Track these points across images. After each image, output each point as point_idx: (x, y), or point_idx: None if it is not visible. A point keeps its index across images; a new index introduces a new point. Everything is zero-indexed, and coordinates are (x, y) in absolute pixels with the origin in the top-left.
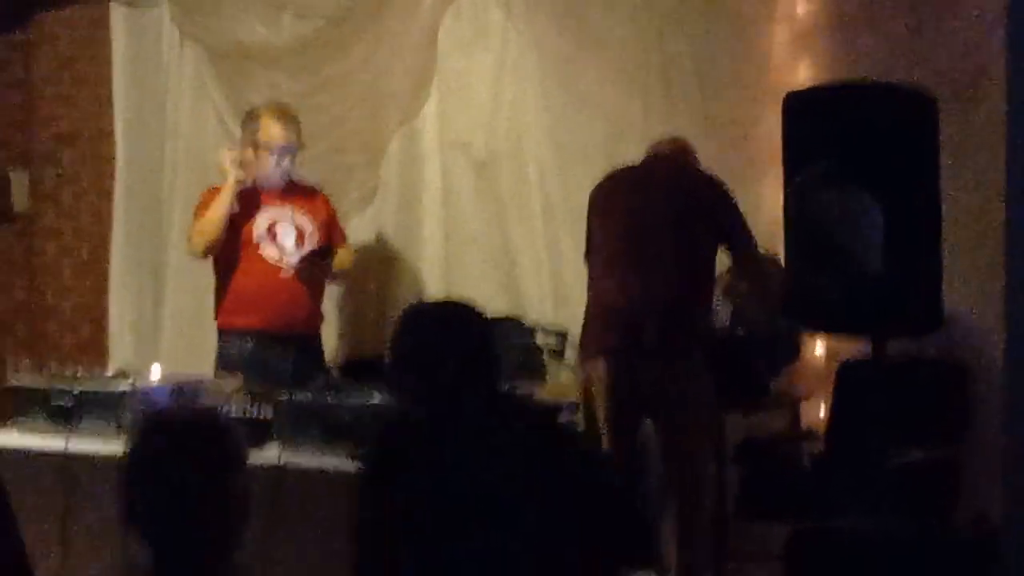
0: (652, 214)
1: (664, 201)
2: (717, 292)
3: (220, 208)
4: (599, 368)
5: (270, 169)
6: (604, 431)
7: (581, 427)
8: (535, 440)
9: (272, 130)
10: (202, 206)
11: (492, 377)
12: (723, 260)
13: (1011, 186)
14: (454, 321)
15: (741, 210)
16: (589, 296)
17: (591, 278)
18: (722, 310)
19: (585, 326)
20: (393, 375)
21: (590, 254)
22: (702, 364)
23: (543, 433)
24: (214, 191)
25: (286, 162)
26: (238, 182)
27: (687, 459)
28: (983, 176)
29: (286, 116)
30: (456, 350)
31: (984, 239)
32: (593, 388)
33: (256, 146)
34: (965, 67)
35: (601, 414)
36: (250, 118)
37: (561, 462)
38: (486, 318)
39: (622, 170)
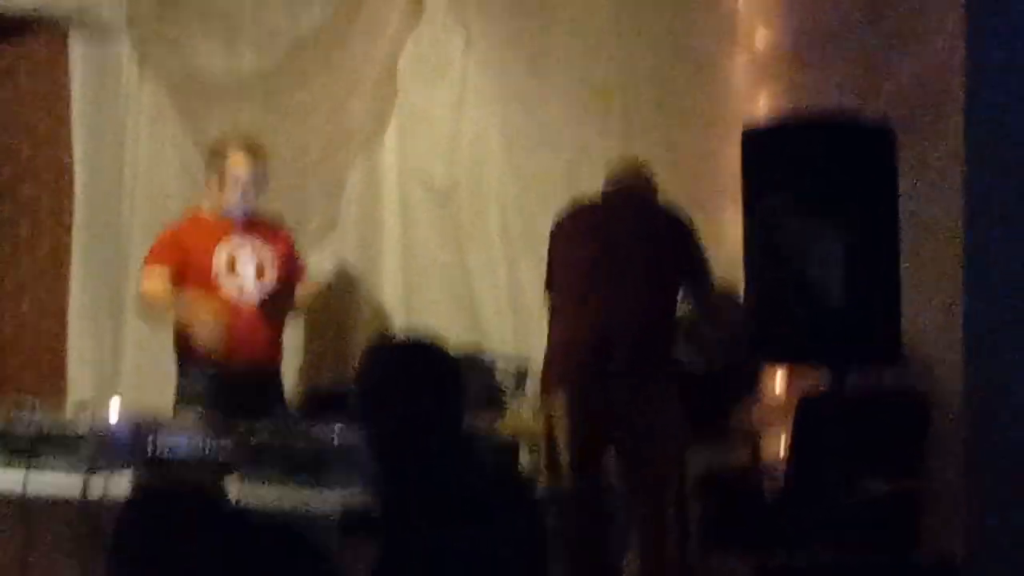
0: (616, 245)
1: (628, 232)
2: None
3: (163, 308)
4: (561, 399)
5: (234, 202)
6: (566, 464)
7: (543, 461)
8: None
9: (239, 162)
10: (155, 254)
11: (458, 416)
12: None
13: (970, 218)
14: (420, 358)
15: (702, 244)
16: (551, 329)
17: (552, 310)
18: (682, 344)
19: (547, 359)
20: (358, 412)
21: (551, 287)
22: (670, 392)
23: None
24: (170, 233)
25: (251, 195)
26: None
27: (652, 489)
28: (942, 208)
29: (254, 149)
30: (422, 387)
31: (943, 271)
32: (555, 421)
33: (222, 177)
34: (924, 97)
35: (564, 447)
36: (217, 149)
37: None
38: (452, 355)
39: (582, 202)
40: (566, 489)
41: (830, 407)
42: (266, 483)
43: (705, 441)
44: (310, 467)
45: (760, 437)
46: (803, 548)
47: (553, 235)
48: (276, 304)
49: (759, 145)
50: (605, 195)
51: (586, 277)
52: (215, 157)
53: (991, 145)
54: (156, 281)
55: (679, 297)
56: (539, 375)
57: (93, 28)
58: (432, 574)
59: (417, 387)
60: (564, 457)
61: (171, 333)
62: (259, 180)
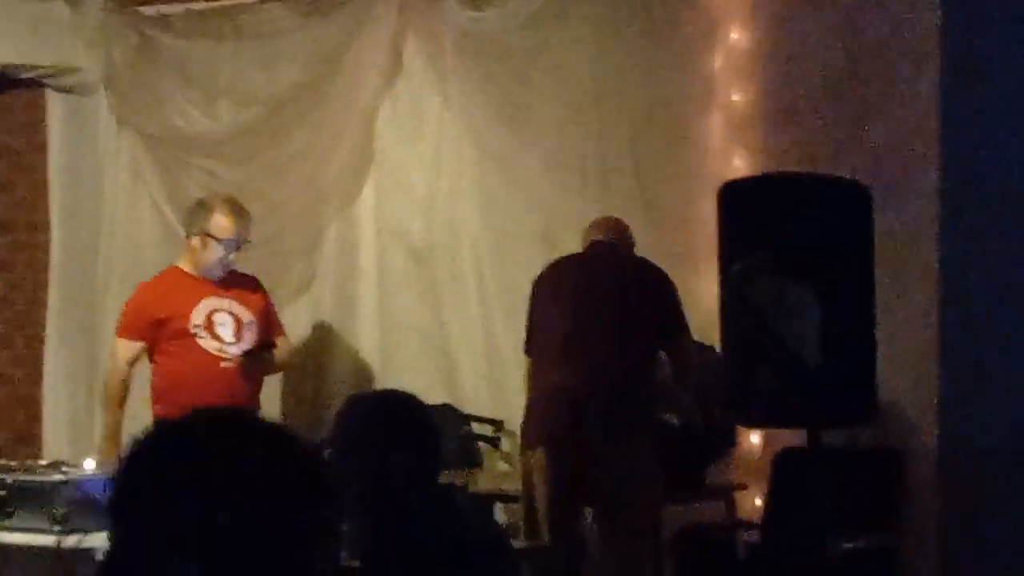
0: (595, 303)
1: (607, 290)
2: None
3: (105, 409)
4: (540, 456)
5: (215, 260)
6: (545, 519)
7: (521, 517)
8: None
9: (224, 223)
10: (129, 325)
11: (433, 469)
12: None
13: (943, 274)
14: (394, 411)
15: (679, 301)
16: (531, 386)
17: (534, 367)
18: (659, 400)
19: (527, 416)
20: (335, 465)
21: (532, 344)
22: (647, 447)
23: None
24: (149, 287)
25: (232, 254)
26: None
27: (629, 544)
28: (918, 266)
29: (239, 210)
30: (397, 441)
31: (918, 329)
32: (534, 477)
33: (205, 236)
34: (899, 158)
35: (542, 504)
36: (201, 207)
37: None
38: (426, 408)
39: (563, 259)
40: (545, 544)
41: (806, 463)
42: None
43: (681, 496)
44: None
45: (735, 492)
46: None
47: (533, 293)
48: (254, 362)
49: (735, 204)
50: (584, 253)
51: (565, 334)
52: (199, 215)
53: (965, 204)
54: (120, 373)
55: (657, 355)
56: (515, 432)
57: (71, 85)
58: None
59: (392, 440)
60: (543, 512)
61: (147, 390)
62: (242, 240)
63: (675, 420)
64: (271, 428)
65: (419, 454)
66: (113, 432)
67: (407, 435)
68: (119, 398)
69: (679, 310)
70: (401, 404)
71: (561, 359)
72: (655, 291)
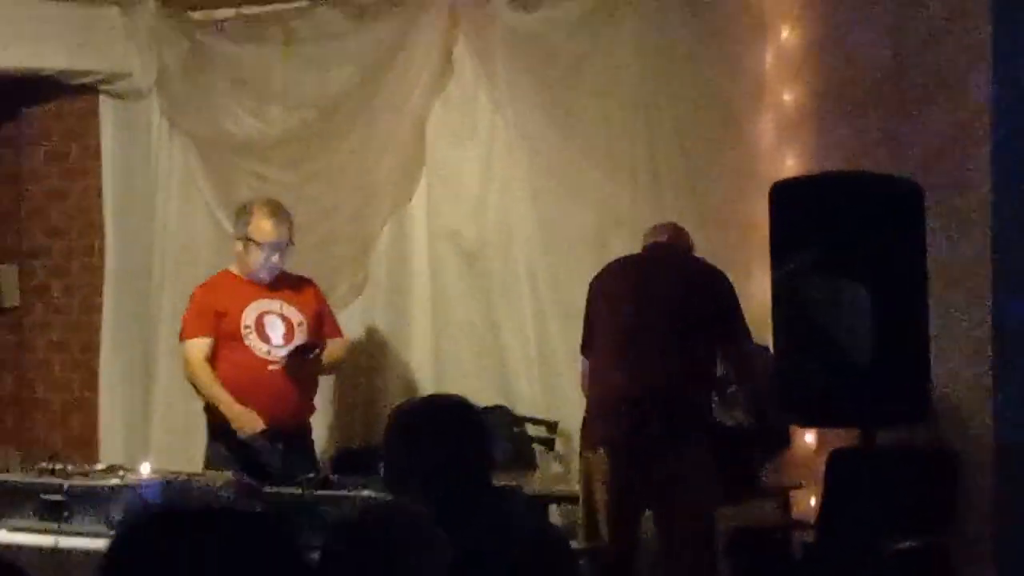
0: (654, 304)
1: (666, 291)
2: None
3: (214, 398)
4: (600, 459)
5: (259, 263)
6: (604, 523)
7: (577, 518)
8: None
9: (263, 226)
10: (194, 324)
11: (485, 471)
12: None
13: (997, 273)
14: (446, 417)
15: (739, 303)
16: (590, 387)
17: (592, 369)
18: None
19: (586, 417)
20: (388, 474)
21: (589, 345)
22: (706, 451)
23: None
24: (202, 296)
25: (275, 257)
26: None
27: (687, 547)
28: (970, 264)
29: (278, 212)
30: (448, 443)
31: (972, 327)
32: (594, 479)
33: (247, 240)
34: (950, 156)
35: (602, 505)
36: (243, 212)
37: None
38: (475, 409)
39: (621, 260)
40: (604, 547)
41: (860, 462)
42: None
43: (736, 496)
44: None
45: (790, 492)
46: None
47: (590, 293)
48: (305, 363)
49: (786, 203)
50: (641, 254)
51: (623, 335)
52: (241, 220)
53: (1018, 201)
54: (204, 366)
55: (716, 356)
56: (569, 433)
57: (123, 90)
58: None
59: (443, 443)
60: (602, 516)
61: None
62: (284, 243)
63: (731, 420)
64: (253, 519)
65: (470, 456)
66: (234, 403)
67: (457, 437)
68: (214, 379)
69: (738, 312)
70: (450, 407)
71: (619, 360)
72: (713, 293)
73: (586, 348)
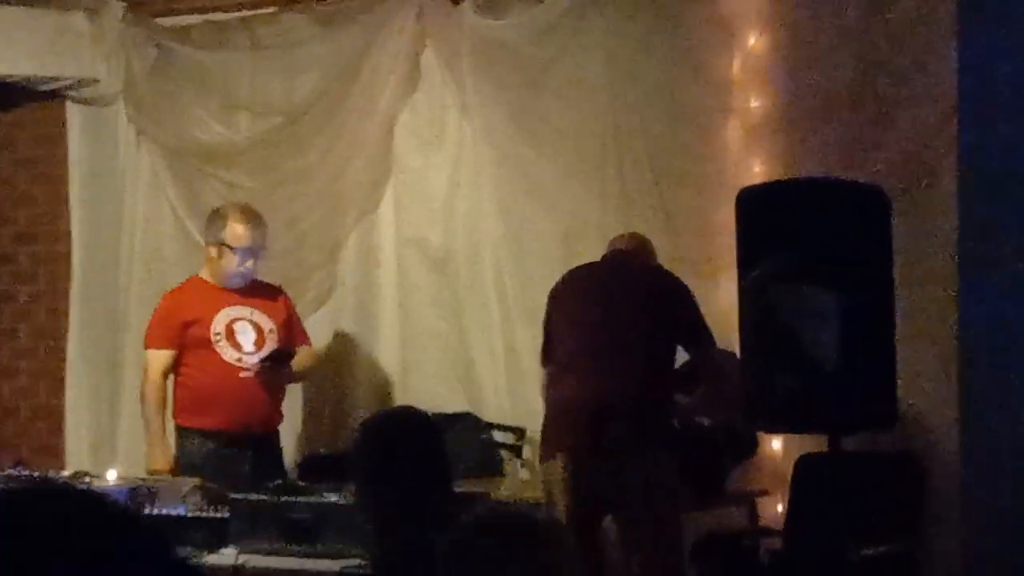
0: (611, 312)
1: (622, 299)
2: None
3: (147, 421)
4: (559, 466)
5: (232, 269)
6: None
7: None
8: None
9: (239, 231)
10: (158, 335)
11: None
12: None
13: (964, 280)
14: (408, 429)
15: (699, 308)
16: (548, 395)
17: (549, 376)
18: (680, 406)
19: (545, 426)
20: (359, 486)
21: (548, 353)
22: (665, 458)
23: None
24: (172, 297)
25: (249, 263)
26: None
27: (650, 553)
28: (936, 271)
29: (253, 218)
30: (412, 457)
31: (939, 333)
32: (553, 487)
33: (221, 245)
34: (918, 162)
35: (562, 513)
36: (216, 217)
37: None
38: (434, 423)
39: (580, 268)
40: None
41: (827, 468)
42: (263, 549)
43: (704, 503)
44: (308, 532)
45: (757, 499)
46: None
47: (550, 301)
48: (275, 370)
49: (754, 210)
50: (598, 262)
51: (579, 343)
52: (214, 225)
53: (985, 208)
54: (157, 386)
55: (674, 361)
56: (535, 440)
57: (91, 96)
58: None
59: (406, 455)
60: (563, 522)
61: (169, 398)
62: (258, 248)
63: (697, 426)
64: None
65: (430, 470)
66: (160, 440)
67: (416, 450)
68: (160, 407)
69: (698, 315)
70: (407, 423)
71: (576, 369)
72: (670, 299)
73: (545, 357)
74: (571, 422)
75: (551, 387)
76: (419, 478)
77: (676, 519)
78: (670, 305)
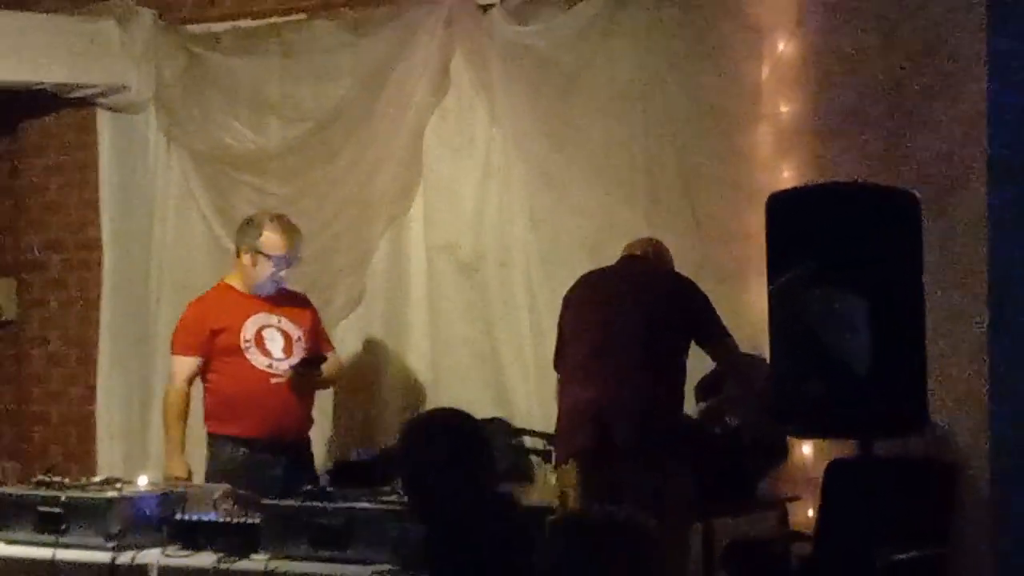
0: (621, 316)
1: (632, 302)
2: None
3: (167, 430)
4: (572, 471)
5: (265, 277)
6: None
7: None
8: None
9: (275, 240)
10: (184, 342)
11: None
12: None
13: (993, 285)
14: (450, 430)
15: (711, 305)
16: (560, 401)
17: (561, 382)
18: (706, 411)
19: (558, 431)
20: (403, 481)
21: (560, 358)
22: (679, 462)
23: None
24: (199, 304)
25: (283, 272)
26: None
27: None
28: (966, 276)
29: (289, 227)
30: (453, 457)
31: (969, 338)
32: (567, 493)
33: (256, 253)
34: (948, 167)
35: None
36: (249, 225)
37: None
38: (475, 422)
39: (593, 273)
40: None
41: (857, 474)
42: (294, 554)
43: (733, 508)
44: (338, 538)
45: (788, 504)
46: None
47: (564, 307)
48: (304, 377)
49: (783, 215)
50: (610, 267)
51: (590, 348)
52: (249, 233)
53: (1015, 212)
54: (181, 395)
55: (685, 366)
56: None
57: (121, 103)
58: None
59: (450, 456)
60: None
61: (201, 407)
62: (292, 257)
63: (727, 431)
64: None
65: (473, 468)
66: (178, 448)
67: (459, 452)
68: (181, 415)
69: (712, 314)
70: (450, 422)
71: (587, 373)
72: (680, 298)
73: (558, 360)
74: (579, 428)
75: (563, 391)
76: (470, 477)
77: (685, 527)
78: (680, 306)
